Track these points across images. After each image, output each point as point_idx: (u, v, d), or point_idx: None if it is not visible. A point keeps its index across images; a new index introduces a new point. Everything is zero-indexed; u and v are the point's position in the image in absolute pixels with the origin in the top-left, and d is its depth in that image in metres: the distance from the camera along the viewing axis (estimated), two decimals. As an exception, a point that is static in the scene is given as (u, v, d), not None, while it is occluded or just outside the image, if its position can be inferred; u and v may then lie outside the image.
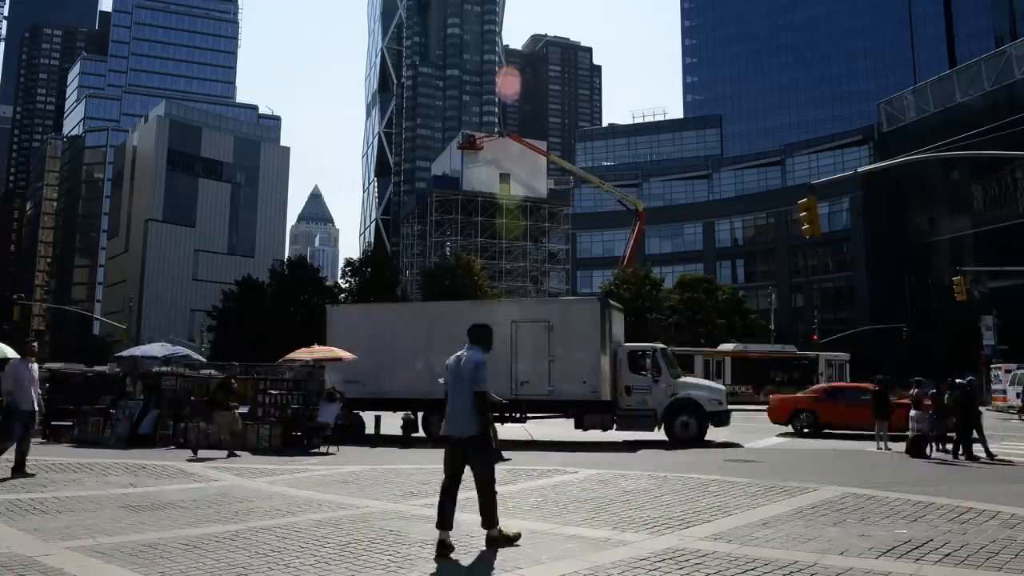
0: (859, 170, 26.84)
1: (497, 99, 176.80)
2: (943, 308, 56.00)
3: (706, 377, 34.07)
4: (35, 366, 11.98)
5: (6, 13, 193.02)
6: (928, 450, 15.05)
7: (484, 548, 6.72)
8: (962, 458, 14.68)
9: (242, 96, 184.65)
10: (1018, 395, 32.81)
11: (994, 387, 36.58)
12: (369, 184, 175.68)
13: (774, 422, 22.74)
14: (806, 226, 18.77)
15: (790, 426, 22.13)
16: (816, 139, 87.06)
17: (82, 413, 17.55)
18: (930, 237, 63.87)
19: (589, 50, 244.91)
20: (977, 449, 15.04)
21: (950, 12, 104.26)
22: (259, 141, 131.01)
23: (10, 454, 11.27)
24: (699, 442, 18.42)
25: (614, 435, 19.69)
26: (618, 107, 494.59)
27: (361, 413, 20.48)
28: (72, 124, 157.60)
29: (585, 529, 7.64)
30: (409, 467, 12.99)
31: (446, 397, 6.97)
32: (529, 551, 6.70)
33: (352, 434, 19.11)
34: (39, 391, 12.20)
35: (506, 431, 17.97)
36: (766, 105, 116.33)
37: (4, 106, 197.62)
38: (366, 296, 58.13)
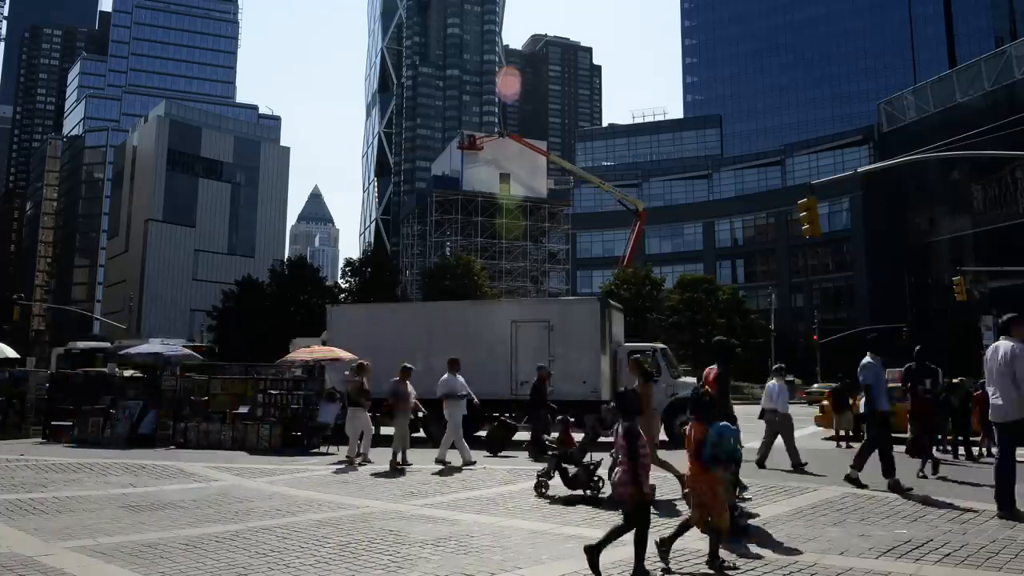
0: (859, 170, 26.77)
1: (497, 99, 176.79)
2: (943, 308, 55.93)
3: None
4: None
5: (6, 13, 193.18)
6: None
7: (483, 544, 6.71)
8: (962, 458, 14.71)
9: (242, 96, 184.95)
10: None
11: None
12: (369, 184, 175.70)
13: None
14: (806, 226, 18.76)
15: None
16: (816, 139, 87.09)
17: (82, 413, 17.54)
18: (930, 237, 63.83)
19: (589, 50, 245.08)
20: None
21: (950, 12, 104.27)
22: (259, 141, 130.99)
23: None
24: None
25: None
26: (618, 107, 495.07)
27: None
28: (72, 124, 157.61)
29: (585, 529, 7.63)
30: (409, 467, 12.99)
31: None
32: (529, 551, 6.70)
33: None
34: None
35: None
36: (766, 105, 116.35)
37: (4, 106, 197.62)
38: (366, 296, 58.17)
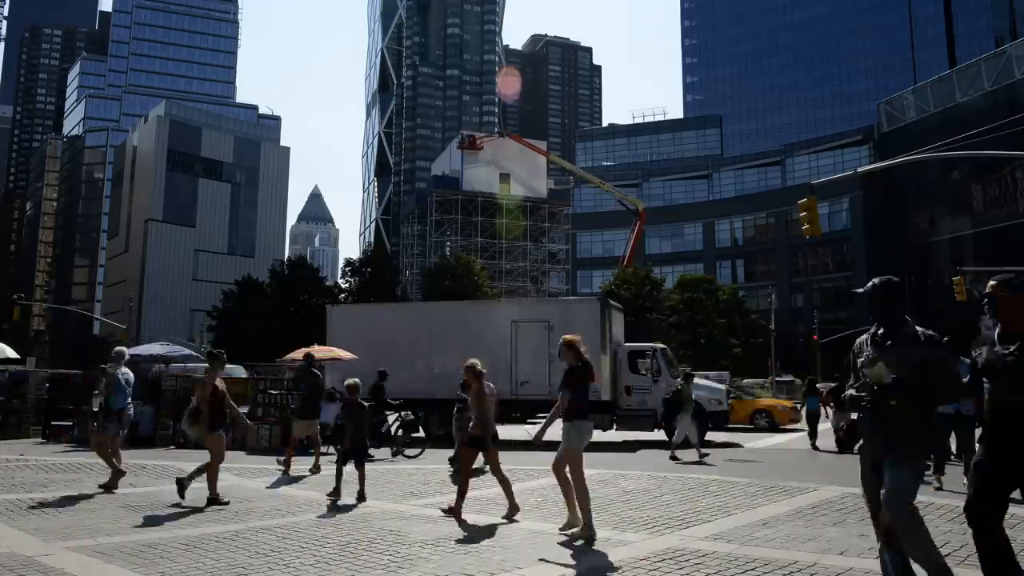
0: (859, 170, 26.69)
1: (497, 99, 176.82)
2: (943, 308, 55.83)
3: None
4: None
5: (6, 13, 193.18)
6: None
7: (483, 544, 6.71)
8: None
9: (242, 96, 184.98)
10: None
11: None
12: (369, 184, 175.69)
13: None
14: (806, 226, 18.75)
15: None
16: (816, 139, 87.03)
17: (82, 413, 17.55)
18: (930, 237, 63.81)
19: (589, 50, 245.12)
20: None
21: (950, 12, 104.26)
22: (259, 141, 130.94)
23: None
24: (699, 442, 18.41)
25: (614, 435, 19.69)
26: (618, 107, 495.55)
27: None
28: (72, 124, 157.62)
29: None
30: (409, 467, 12.99)
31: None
32: (529, 551, 6.70)
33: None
34: None
35: (506, 431, 17.95)
36: (766, 105, 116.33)
37: (4, 106, 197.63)
38: (366, 296, 58.14)
